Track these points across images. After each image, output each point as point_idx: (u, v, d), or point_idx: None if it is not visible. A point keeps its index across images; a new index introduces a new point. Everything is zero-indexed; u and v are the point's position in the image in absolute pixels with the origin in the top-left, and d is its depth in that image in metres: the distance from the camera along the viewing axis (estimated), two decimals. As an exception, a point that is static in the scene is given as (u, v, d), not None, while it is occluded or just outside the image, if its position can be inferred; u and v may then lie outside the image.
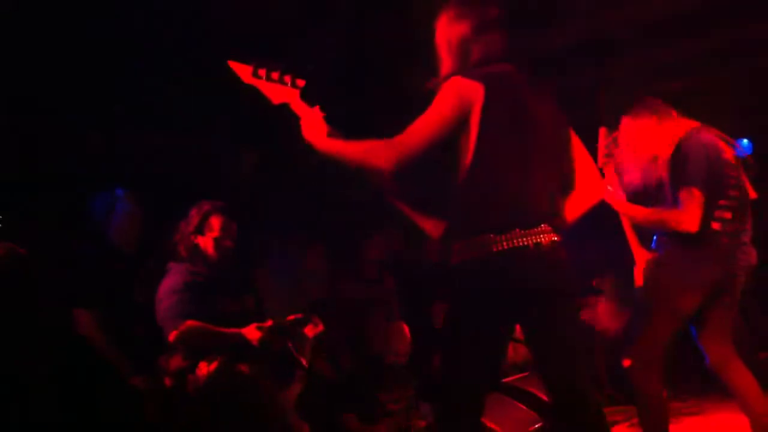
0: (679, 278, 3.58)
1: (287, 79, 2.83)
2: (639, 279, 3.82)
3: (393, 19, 4.91)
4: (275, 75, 2.82)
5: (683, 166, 3.58)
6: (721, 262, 3.62)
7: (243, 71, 2.83)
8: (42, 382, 3.51)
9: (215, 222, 3.99)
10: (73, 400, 3.62)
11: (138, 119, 5.15)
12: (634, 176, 3.81)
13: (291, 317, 4.08)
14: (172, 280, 3.85)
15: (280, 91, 2.83)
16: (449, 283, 2.58)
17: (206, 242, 3.97)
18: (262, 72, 2.81)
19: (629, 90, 4.13)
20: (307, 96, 2.82)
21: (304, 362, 3.96)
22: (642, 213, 3.72)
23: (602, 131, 3.91)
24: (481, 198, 2.51)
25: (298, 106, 2.82)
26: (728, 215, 3.61)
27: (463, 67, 2.61)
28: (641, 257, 3.83)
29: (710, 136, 3.70)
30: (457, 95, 2.51)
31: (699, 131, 3.70)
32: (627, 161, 3.82)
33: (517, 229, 2.45)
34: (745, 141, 6.78)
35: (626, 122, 3.83)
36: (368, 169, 2.58)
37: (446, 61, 2.68)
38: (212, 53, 4.89)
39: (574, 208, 2.68)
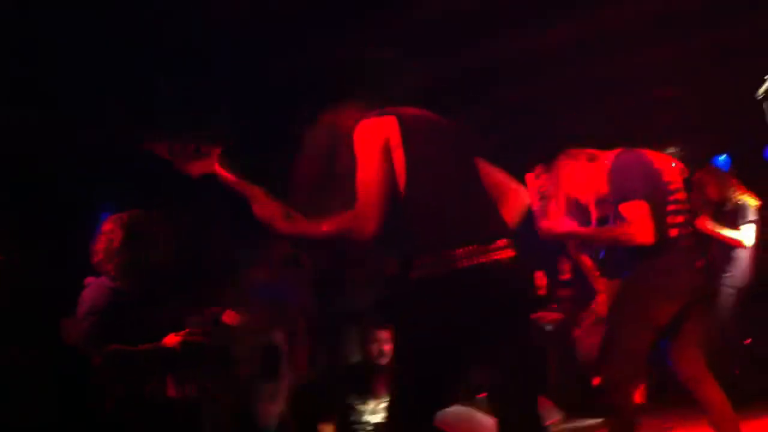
0: (650, 290, 3.57)
1: (203, 149, 2.84)
2: (603, 308, 3.82)
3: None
4: (190, 149, 2.83)
5: (618, 183, 3.61)
6: (689, 267, 3.64)
7: (160, 149, 2.85)
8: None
9: (147, 233, 3.74)
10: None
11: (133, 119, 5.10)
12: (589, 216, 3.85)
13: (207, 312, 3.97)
14: (90, 299, 3.61)
15: (199, 162, 2.84)
16: (403, 296, 2.59)
17: (136, 256, 3.68)
18: (176, 148, 2.82)
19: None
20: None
21: (207, 342, 3.86)
22: (593, 232, 3.75)
23: (534, 173, 3.81)
24: (429, 216, 2.52)
25: (221, 174, 2.84)
26: (680, 219, 3.63)
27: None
28: (602, 288, 3.84)
29: (637, 152, 3.76)
30: (372, 134, 2.56)
31: (625, 151, 3.76)
32: (570, 206, 3.84)
33: (475, 246, 2.46)
34: (723, 157, 6.85)
35: (562, 166, 3.88)
36: (352, 238, 2.56)
37: None
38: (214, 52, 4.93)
39: (508, 220, 2.74)
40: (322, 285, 5.88)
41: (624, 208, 3.51)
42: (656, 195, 3.56)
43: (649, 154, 3.75)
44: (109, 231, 3.70)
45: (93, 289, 3.65)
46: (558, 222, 3.73)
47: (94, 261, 3.69)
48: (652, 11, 5.14)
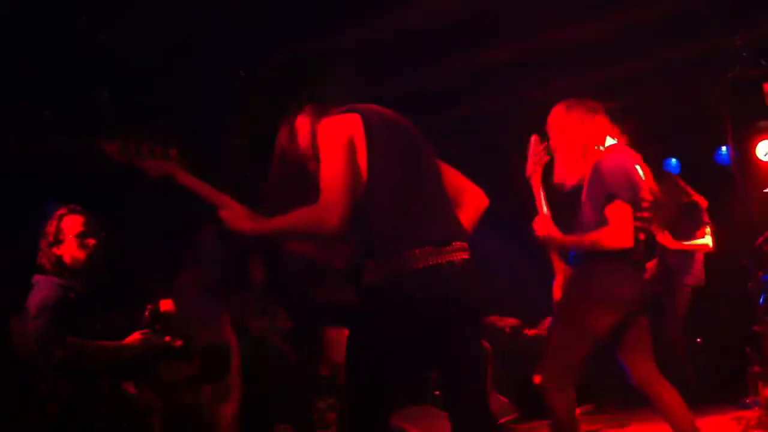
0: (595, 297, 3.59)
1: (158, 151, 2.73)
2: (557, 292, 3.83)
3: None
4: (144, 149, 2.72)
5: (607, 181, 3.58)
6: (637, 281, 3.67)
7: (111, 149, 2.74)
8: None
9: (69, 224, 3.76)
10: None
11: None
12: (567, 172, 3.77)
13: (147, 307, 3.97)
14: (43, 295, 3.63)
15: (156, 164, 2.75)
16: (359, 298, 2.60)
17: (66, 250, 3.74)
18: (130, 147, 2.71)
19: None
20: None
21: (168, 339, 3.86)
22: (574, 240, 3.72)
23: (534, 138, 3.89)
24: (387, 217, 2.52)
25: (182, 177, 2.77)
26: (641, 236, 3.62)
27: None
28: (560, 270, 3.84)
29: (631, 153, 3.75)
30: (336, 131, 2.56)
31: (620, 148, 3.75)
32: (560, 154, 3.79)
33: (430, 247, 2.48)
34: (674, 161, 6.97)
35: (558, 110, 3.81)
36: (316, 235, 2.61)
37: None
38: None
39: (466, 221, 2.76)
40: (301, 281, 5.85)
41: (609, 209, 3.52)
42: (633, 203, 3.57)
43: (638, 161, 3.74)
44: (48, 225, 3.76)
45: (42, 286, 3.67)
46: (546, 229, 3.77)
47: (42, 246, 3.74)
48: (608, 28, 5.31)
